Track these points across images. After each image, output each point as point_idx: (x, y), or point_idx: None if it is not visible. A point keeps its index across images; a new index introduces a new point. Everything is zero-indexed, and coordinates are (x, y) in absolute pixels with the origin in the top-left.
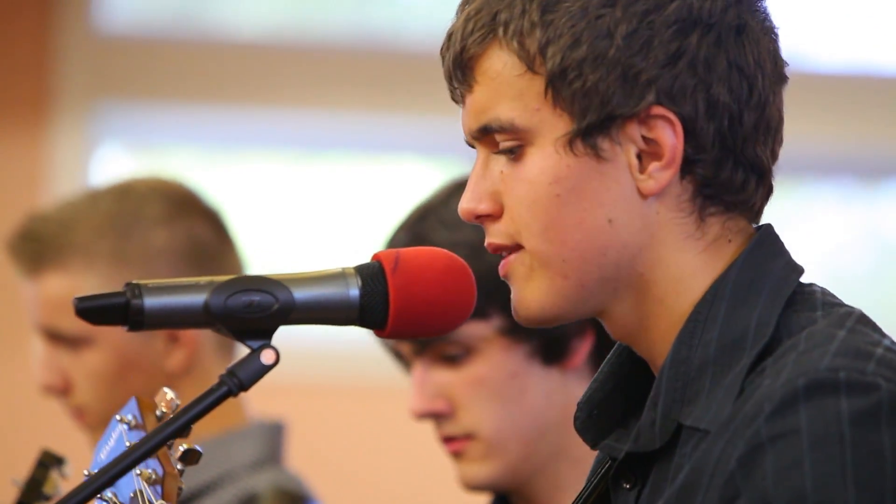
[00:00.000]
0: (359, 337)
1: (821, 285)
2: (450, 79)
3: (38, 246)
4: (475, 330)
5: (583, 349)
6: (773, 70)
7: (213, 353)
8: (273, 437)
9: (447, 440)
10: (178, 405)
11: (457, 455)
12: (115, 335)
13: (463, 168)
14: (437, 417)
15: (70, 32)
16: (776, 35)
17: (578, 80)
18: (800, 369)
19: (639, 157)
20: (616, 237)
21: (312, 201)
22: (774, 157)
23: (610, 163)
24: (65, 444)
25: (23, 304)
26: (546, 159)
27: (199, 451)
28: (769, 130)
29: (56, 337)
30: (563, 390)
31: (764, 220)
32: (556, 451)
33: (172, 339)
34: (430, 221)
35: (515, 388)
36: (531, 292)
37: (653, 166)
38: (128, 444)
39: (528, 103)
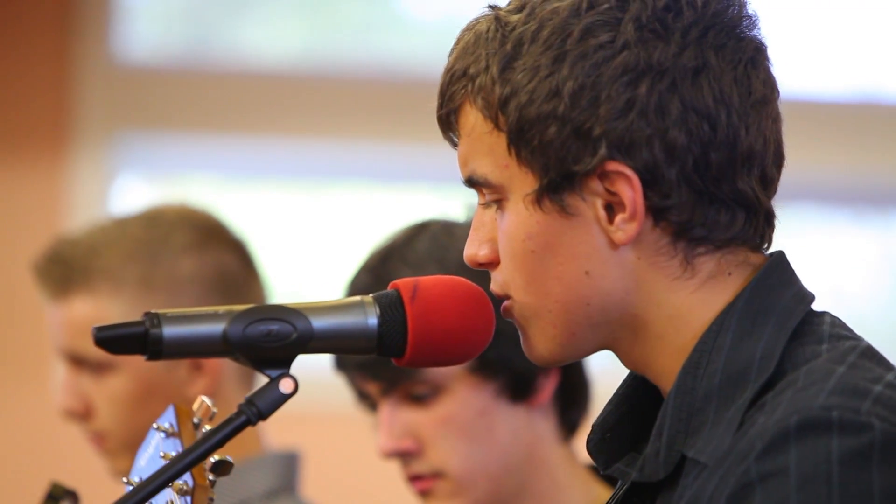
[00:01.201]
0: None
1: (832, 314)
2: (442, 131)
3: (66, 269)
4: (443, 368)
5: (548, 387)
6: (744, 101)
7: (234, 383)
8: (288, 466)
9: (414, 479)
10: (214, 413)
11: (424, 494)
12: (138, 361)
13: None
14: (405, 456)
15: (89, 63)
16: (754, 62)
17: (535, 138)
18: (794, 407)
19: (609, 207)
20: (596, 287)
21: (328, 230)
22: (767, 181)
23: (578, 217)
24: (77, 478)
25: (31, 338)
26: (519, 215)
27: (230, 463)
28: (751, 160)
29: (79, 361)
30: (529, 427)
31: (776, 247)
32: (521, 488)
33: (196, 366)
34: (394, 262)
35: (483, 426)
36: (530, 340)
37: (619, 218)
38: (161, 453)
39: (497, 160)
